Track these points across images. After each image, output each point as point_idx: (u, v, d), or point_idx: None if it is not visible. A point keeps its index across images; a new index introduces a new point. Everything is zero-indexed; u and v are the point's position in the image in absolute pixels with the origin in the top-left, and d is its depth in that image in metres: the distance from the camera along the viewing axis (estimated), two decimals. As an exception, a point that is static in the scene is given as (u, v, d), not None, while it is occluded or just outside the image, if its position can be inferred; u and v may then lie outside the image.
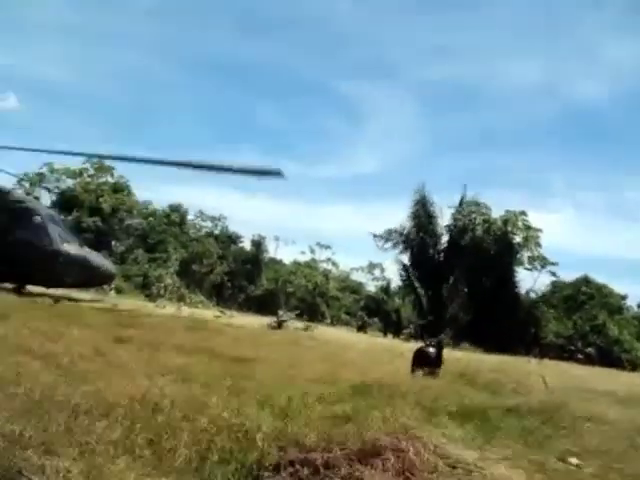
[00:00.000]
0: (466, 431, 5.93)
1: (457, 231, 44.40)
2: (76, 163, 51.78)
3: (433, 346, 11.30)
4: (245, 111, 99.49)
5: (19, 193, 26.15)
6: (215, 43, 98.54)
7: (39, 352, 6.68)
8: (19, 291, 19.29)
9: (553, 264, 46.76)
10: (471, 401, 7.33)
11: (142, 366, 6.60)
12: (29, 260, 19.27)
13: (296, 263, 61.94)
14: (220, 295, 50.90)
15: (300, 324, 22.43)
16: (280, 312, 23.47)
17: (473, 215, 45.20)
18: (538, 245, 45.89)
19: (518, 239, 45.49)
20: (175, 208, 57.71)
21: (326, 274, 60.54)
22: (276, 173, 11.73)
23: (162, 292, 42.20)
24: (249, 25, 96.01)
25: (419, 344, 12.79)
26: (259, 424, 4.69)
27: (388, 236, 44.81)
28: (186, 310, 26.50)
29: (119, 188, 52.50)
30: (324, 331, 24.20)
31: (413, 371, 10.63)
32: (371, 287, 63.76)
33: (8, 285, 19.69)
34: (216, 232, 59.86)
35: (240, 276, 53.77)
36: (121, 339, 9.11)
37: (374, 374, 8.65)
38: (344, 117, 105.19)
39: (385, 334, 44.03)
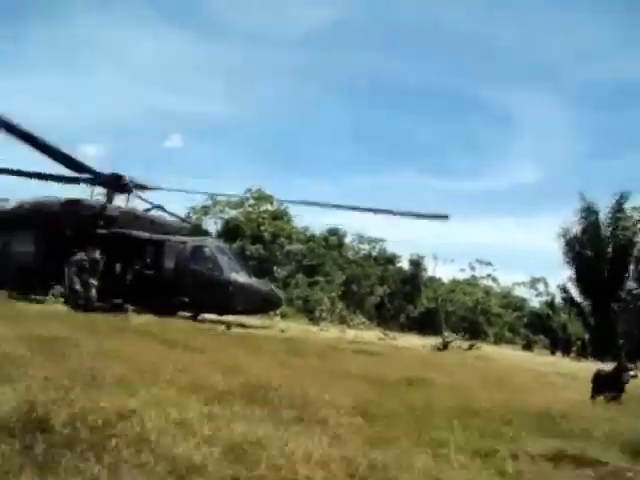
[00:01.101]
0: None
1: (626, 239, 41.61)
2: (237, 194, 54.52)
3: (619, 370, 10.45)
4: (397, 130, 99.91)
5: (190, 228, 27.83)
6: (361, 66, 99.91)
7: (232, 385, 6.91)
8: (195, 319, 20.52)
9: None
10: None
11: (323, 396, 6.68)
12: (202, 290, 20.46)
13: (455, 281, 61.02)
14: (381, 316, 51.07)
15: (465, 344, 22.08)
16: (445, 333, 23.24)
17: (643, 222, 42.26)
18: None
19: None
20: (333, 232, 58.79)
21: (487, 291, 59.14)
22: (443, 217, 11.83)
23: (324, 315, 43.07)
24: (392, 44, 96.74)
25: (589, 363, 12.07)
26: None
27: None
28: (349, 333, 26.88)
29: (278, 215, 54.36)
30: (490, 351, 23.62)
31: (593, 397, 10.01)
32: (535, 303, 61.26)
33: (185, 314, 21.02)
34: (374, 253, 60.29)
35: (400, 296, 53.74)
36: (295, 366, 9.36)
37: (552, 401, 8.14)
38: (496, 127, 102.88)
39: (553, 352, 42.19)
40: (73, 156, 20.11)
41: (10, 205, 21.28)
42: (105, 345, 8.51)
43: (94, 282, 19.15)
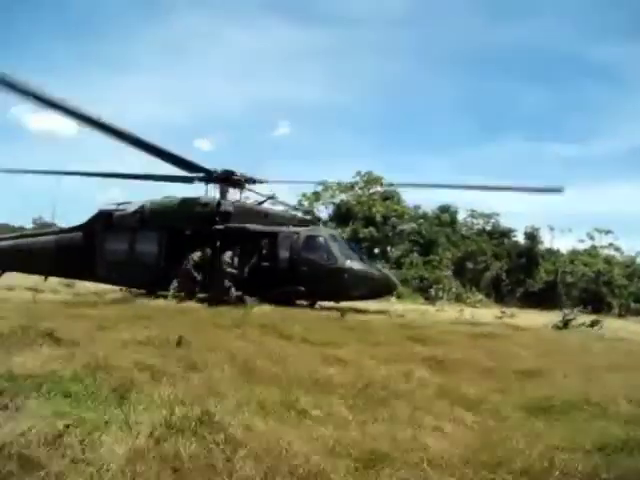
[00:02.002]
0: None
1: None
2: (347, 177, 55.02)
3: None
4: (505, 98, 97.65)
5: (302, 217, 28.46)
6: (460, 36, 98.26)
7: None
8: (312, 307, 21.08)
9: None
10: None
11: (437, 395, 6.78)
12: (318, 278, 20.95)
13: (574, 252, 58.85)
14: (498, 291, 50.24)
15: (587, 320, 21.34)
16: (565, 310, 22.54)
17: None
18: None
19: None
20: (445, 209, 58.16)
21: (608, 260, 56.68)
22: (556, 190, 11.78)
23: (440, 294, 42.89)
24: (492, 11, 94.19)
25: None
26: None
27: None
28: (466, 311, 26.73)
29: (388, 196, 54.37)
30: (614, 326, 22.75)
31: None
32: (661, 270, 58.29)
33: (303, 302, 21.60)
34: (488, 228, 59.16)
35: (516, 270, 52.56)
36: (411, 358, 9.45)
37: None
38: (608, 86, 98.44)
39: (685, 323, 40.02)
40: (184, 156, 20.94)
41: (132, 207, 22.46)
42: (228, 344, 8.93)
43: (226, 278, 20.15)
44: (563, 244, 62.39)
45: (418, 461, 4.32)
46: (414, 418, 5.56)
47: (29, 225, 73.55)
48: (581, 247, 59.38)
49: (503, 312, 25.83)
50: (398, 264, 51.09)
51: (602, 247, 58.83)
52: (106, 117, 17.93)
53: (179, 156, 20.65)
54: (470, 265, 53.29)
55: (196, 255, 20.71)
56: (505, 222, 59.12)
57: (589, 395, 7.03)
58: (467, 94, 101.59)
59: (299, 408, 5.65)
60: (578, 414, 6.24)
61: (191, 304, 18.60)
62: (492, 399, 6.73)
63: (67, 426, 4.24)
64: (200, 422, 4.47)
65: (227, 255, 20.65)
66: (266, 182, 24.12)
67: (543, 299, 46.06)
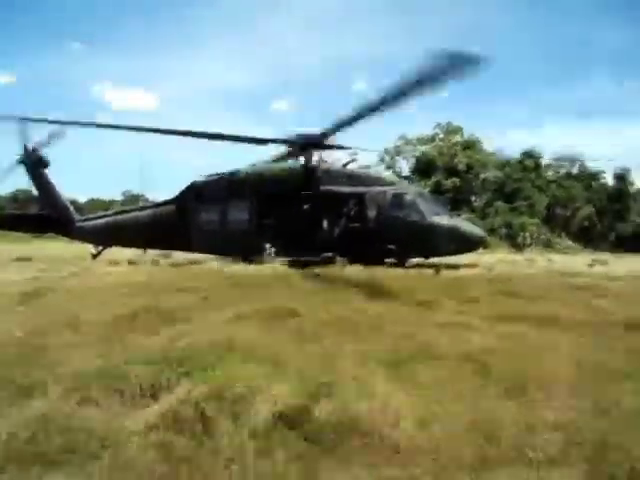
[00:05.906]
0: None
1: None
2: (427, 130, 54.63)
3: None
4: (586, 35, 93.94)
5: (389, 176, 28.70)
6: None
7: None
8: (402, 265, 21.31)
9: None
10: None
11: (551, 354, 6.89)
12: (406, 236, 21.20)
13: (669, 191, 56.43)
14: (587, 236, 49.15)
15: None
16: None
17: None
18: None
19: None
20: (528, 154, 56.64)
21: None
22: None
23: (528, 241, 42.41)
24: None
25: None
26: None
27: None
28: (556, 259, 26.40)
29: (470, 145, 53.66)
30: None
31: None
32: None
33: (391, 260, 21.89)
34: (574, 172, 57.48)
35: (606, 214, 51.17)
36: (507, 317, 9.55)
37: None
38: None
39: None
40: (263, 137, 21.44)
41: (221, 178, 23.24)
42: (331, 310, 9.29)
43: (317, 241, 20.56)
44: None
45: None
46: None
47: (119, 198, 76.66)
48: (676, 186, 56.89)
49: (594, 260, 25.40)
50: (483, 213, 50.66)
51: (700, 184, 56.16)
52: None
53: (259, 138, 21.23)
54: (558, 210, 52.19)
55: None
56: (591, 164, 57.44)
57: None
58: (545, 34, 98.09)
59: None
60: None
61: (281, 268, 18.96)
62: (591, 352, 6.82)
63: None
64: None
65: (316, 218, 21.17)
66: (346, 148, 24.15)
67: (636, 243, 44.79)
